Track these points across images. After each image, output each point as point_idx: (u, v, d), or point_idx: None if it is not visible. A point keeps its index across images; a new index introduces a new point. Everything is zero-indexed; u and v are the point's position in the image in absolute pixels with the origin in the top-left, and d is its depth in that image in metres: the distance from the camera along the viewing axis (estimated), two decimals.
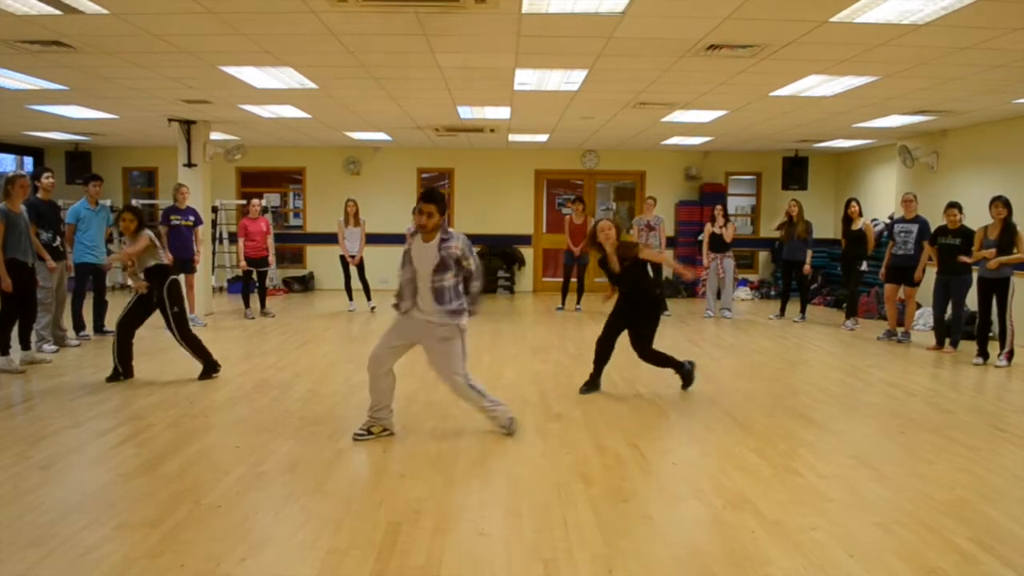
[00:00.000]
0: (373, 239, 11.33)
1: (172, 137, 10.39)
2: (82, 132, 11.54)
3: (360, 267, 10.72)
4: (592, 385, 6.06)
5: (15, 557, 2.98)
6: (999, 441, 4.81)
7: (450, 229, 4.53)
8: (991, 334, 7.62)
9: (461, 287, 4.57)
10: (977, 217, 8.05)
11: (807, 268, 10.20)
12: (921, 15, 4.87)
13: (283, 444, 4.54)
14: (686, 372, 6.08)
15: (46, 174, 7.61)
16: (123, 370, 6.15)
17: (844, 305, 10.31)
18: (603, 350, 6.05)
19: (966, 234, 7.74)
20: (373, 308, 10.83)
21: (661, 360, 6.01)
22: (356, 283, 10.78)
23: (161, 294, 6.09)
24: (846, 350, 8.17)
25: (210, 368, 6.33)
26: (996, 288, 7.31)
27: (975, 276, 7.71)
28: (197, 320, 9.35)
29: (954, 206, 7.87)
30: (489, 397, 4.72)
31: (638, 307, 5.92)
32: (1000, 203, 7.29)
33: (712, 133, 11.01)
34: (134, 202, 12.75)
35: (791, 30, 5.31)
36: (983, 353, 7.39)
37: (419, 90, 7.84)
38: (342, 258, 10.75)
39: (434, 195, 4.46)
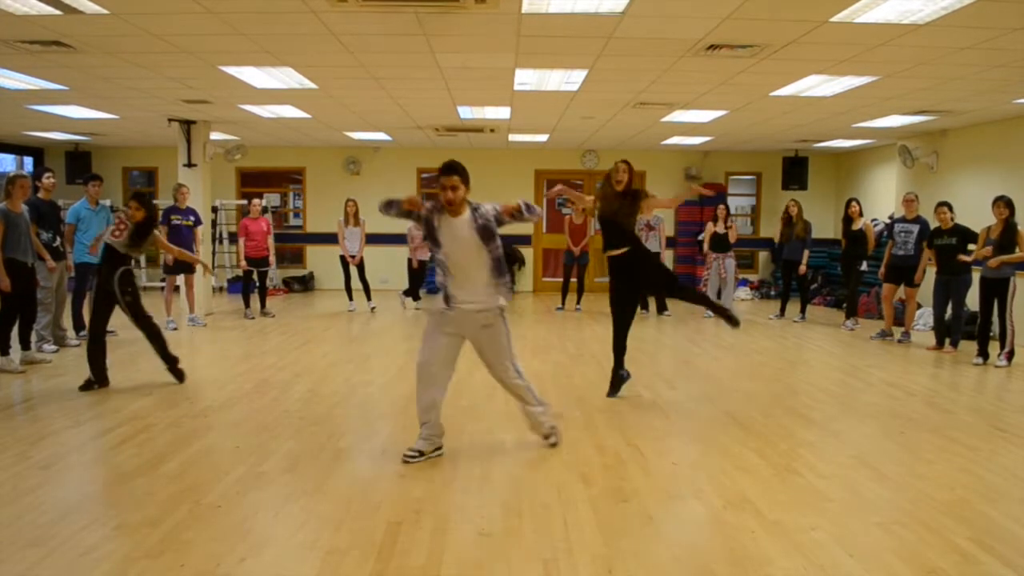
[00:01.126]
0: (373, 239, 11.33)
1: (172, 137, 10.39)
2: (82, 132, 11.54)
3: (360, 267, 10.72)
4: (617, 382, 5.81)
5: (15, 557, 2.98)
6: (999, 441, 4.81)
7: (475, 203, 4.15)
8: (991, 334, 7.62)
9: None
10: (976, 217, 8.05)
11: (803, 268, 10.18)
12: (921, 15, 4.87)
13: (283, 444, 4.54)
14: (726, 314, 5.71)
15: (47, 174, 7.62)
16: (97, 378, 5.85)
17: (844, 305, 10.31)
18: (622, 338, 5.72)
19: (962, 232, 7.75)
20: (373, 308, 10.82)
21: (695, 297, 5.83)
22: (356, 283, 10.78)
23: (111, 282, 5.83)
24: (846, 350, 8.17)
25: (174, 369, 6.09)
26: (997, 288, 7.30)
27: (975, 276, 7.71)
28: (197, 320, 9.36)
29: (944, 205, 7.89)
30: (536, 396, 4.42)
31: (639, 261, 5.58)
32: (1002, 203, 7.28)
33: (712, 133, 11.01)
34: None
35: (791, 30, 5.31)
36: (983, 353, 7.39)
37: (419, 90, 7.84)
38: (342, 258, 10.75)
39: (456, 166, 4.02)
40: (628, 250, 5.55)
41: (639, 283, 5.74)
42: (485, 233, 4.02)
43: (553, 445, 4.47)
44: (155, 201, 13.20)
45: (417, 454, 4.22)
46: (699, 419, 5.29)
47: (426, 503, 3.62)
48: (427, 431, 4.26)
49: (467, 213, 4.05)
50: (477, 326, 4.13)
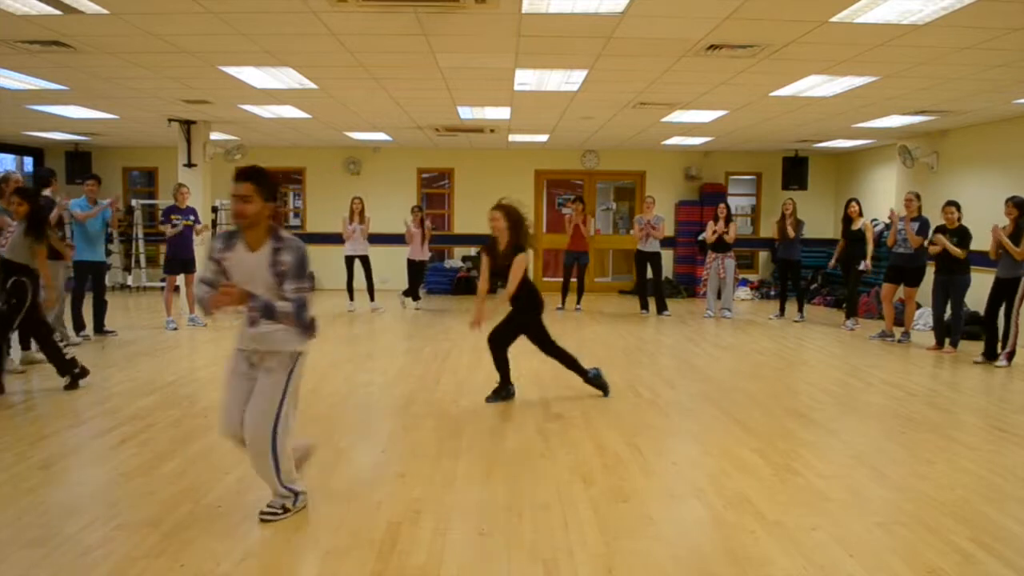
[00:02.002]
0: (373, 239, 11.31)
1: (172, 137, 10.40)
2: (82, 132, 11.54)
3: (367, 266, 10.72)
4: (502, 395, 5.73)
5: (15, 557, 2.98)
6: (999, 441, 4.82)
7: (285, 233, 3.29)
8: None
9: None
10: (976, 217, 8.04)
11: (791, 232, 10.15)
12: (921, 15, 4.87)
13: None
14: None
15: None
16: (78, 369, 5.81)
17: (844, 305, 10.32)
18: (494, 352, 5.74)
19: (963, 233, 7.73)
20: (375, 310, 10.81)
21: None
22: (358, 283, 10.76)
23: (2, 283, 5.61)
24: (846, 350, 8.17)
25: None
26: (1009, 288, 7.24)
27: (981, 277, 7.69)
28: (197, 320, 9.36)
29: (952, 204, 7.87)
30: (280, 479, 3.33)
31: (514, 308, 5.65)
32: (1011, 204, 7.25)
33: (712, 133, 11.01)
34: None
35: (791, 30, 5.31)
36: (991, 354, 7.34)
37: (419, 90, 7.84)
38: (347, 258, 10.74)
39: (250, 172, 3.24)
40: (519, 300, 5.59)
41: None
42: (281, 279, 3.22)
43: (263, 521, 3.36)
44: (155, 201, 13.47)
45: (280, 510, 3.38)
46: (699, 419, 5.29)
47: (426, 503, 3.62)
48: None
49: (267, 247, 3.23)
50: (262, 367, 3.33)
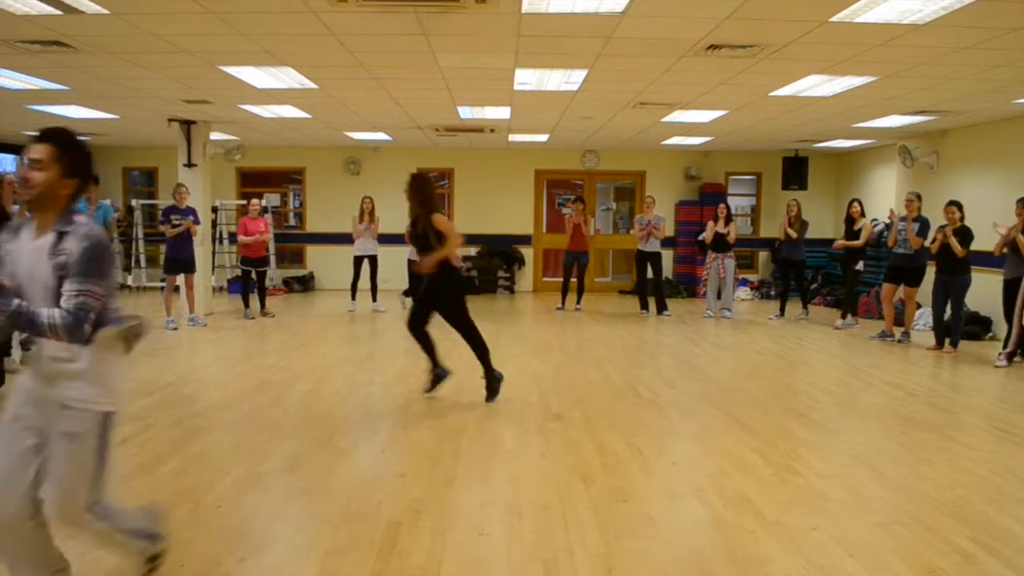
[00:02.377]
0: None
1: (172, 137, 10.39)
2: (82, 132, 11.51)
3: (373, 267, 10.72)
4: (436, 379, 5.72)
5: None
6: (999, 441, 4.82)
7: (80, 216, 2.41)
8: (991, 334, 7.56)
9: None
10: (976, 217, 8.04)
11: (792, 234, 10.17)
12: (921, 15, 4.87)
13: (283, 444, 4.54)
14: (494, 381, 5.67)
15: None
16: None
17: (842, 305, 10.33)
18: (416, 335, 5.71)
19: (964, 233, 7.73)
20: (375, 310, 10.80)
21: (479, 347, 5.68)
22: (362, 284, 10.76)
23: None
24: (846, 350, 8.17)
25: None
26: (1015, 288, 7.22)
27: (988, 277, 7.68)
28: (198, 320, 9.36)
29: (954, 204, 7.86)
30: (138, 526, 2.66)
31: (433, 285, 5.66)
32: (1021, 204, 7.25)
33: (712, 133, 11.01)
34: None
35: (791, 30, 5.31)
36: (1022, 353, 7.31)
37: (419, 90, 7.84)
38: (356, 258, 10.72)
39: (56, 134, 2.42)
40: (435, 274, 5.65)
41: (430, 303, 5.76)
42: (64, 271, 2.30)
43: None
44: (155, 201, 13.48)
45: None
46: (699, 419, 5.30)
47: (426, 503, 3.62)
48: None
49: (51, 233, 2.33)
50: (57, 428, 2.35)
